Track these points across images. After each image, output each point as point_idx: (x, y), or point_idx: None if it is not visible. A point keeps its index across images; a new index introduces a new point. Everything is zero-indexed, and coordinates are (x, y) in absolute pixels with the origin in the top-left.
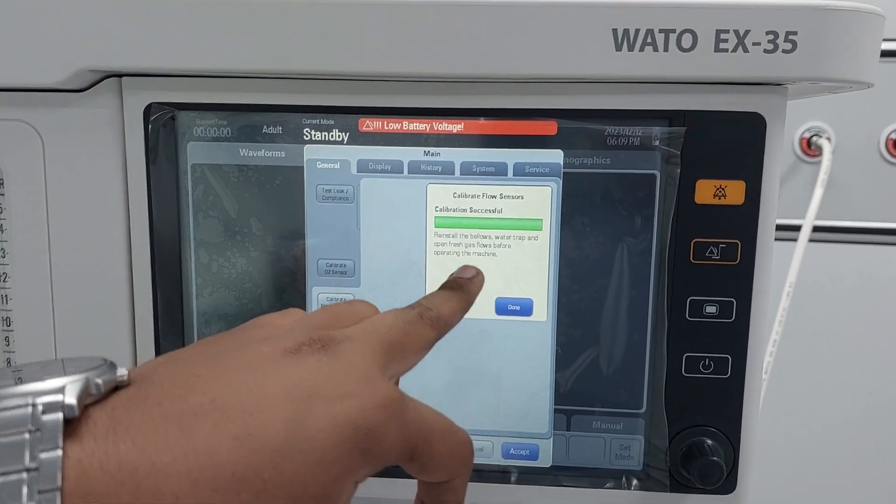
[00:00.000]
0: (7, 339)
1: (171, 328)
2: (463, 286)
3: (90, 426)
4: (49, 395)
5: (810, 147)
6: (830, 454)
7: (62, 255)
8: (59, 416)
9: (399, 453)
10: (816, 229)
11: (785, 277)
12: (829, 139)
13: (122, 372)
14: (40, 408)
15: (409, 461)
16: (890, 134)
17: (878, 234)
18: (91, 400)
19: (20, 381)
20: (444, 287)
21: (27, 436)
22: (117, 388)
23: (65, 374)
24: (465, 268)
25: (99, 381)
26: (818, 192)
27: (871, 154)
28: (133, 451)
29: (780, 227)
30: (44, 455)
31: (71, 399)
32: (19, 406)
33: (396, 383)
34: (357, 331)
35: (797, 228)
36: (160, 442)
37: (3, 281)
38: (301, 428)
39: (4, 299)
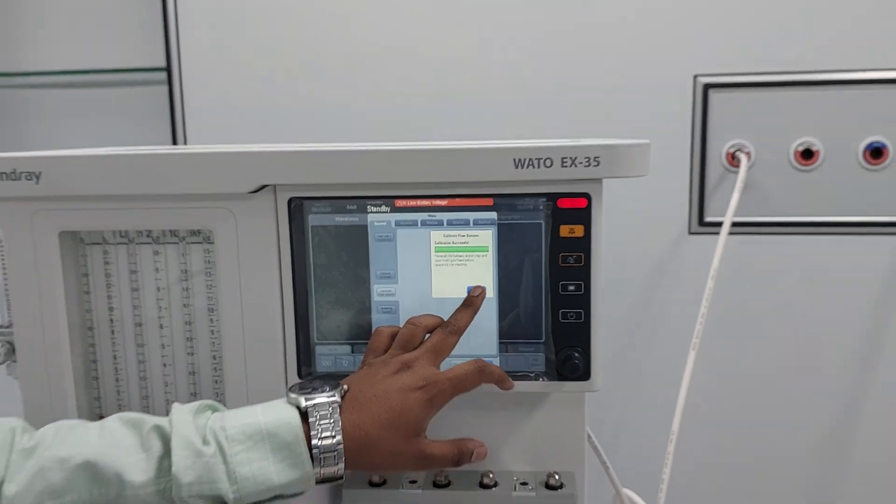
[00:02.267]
0: (214, 356)
1: (300, 313)
2: (472, 302)
3: (343, 407)
4: (335, 395)
5: (733, 159)
6: (749, 401)
7: (247, 289)
8: (338, 403)
9: (446, 397)
10: (737, 224)
11: (711, 264)
12: (748, 153)
13: (345, 387)
14: (336, 397)
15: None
16: (797, 147)
17: (789, 227)
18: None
19: (314, 390)
20: (462, 304)
21: (335, 405)
22: (345, 393)
23: (333, 388)
24: (475, 287)
25: (345, 388)
26: (735, 196)
27: (783, 163)
28: (356, 416)
29: (709, 224)
30: (335, 415)
31: (339, 398)
32: (330, 399)
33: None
34: (421, 352)
35: (721, 224)
36: (364, 413)
37: (214, 314)
38: (406, 401)
39: (215, 332)
